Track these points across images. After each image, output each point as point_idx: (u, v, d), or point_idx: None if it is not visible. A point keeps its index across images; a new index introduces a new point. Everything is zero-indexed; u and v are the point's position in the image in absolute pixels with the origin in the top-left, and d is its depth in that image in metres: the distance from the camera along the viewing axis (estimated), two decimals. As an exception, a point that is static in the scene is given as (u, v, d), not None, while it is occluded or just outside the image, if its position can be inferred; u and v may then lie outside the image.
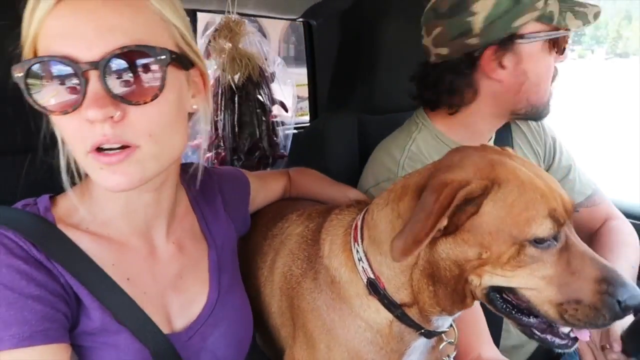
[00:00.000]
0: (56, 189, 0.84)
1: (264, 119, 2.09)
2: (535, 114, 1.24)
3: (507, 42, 1.15)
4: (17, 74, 0.69)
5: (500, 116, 1.27)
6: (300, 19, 2.27)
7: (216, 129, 2.02)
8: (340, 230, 0.98)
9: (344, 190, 1.27)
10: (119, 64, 0.68)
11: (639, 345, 1.06)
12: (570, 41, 1.20)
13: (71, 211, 0.82)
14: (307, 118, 2.59)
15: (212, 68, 2.00)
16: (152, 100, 0.71)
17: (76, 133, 0.70)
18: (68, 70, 0.67)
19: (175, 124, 0.78)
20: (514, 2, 1.13)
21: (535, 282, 0.76)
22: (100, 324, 0.78)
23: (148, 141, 0.72)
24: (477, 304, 0.97)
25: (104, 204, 0.83)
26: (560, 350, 0.81)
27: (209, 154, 1.99)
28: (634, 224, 1.45)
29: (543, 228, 0.74)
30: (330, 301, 0.93)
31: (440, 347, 0.97)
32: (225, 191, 1.09)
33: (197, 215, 1.00)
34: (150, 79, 0.71)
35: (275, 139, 2.17)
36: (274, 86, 2.15)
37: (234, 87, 1.95)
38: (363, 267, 0.89)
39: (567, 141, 1.51)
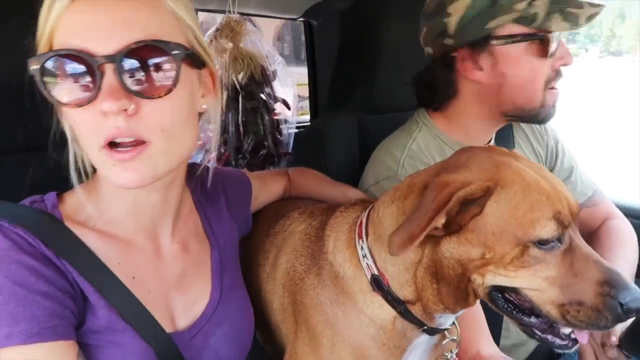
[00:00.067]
0: (60, 188, 0.84)
1: (267, 117, 2.09)
2: (531, 117, 1.22)
3: (483, 43, 1.16)
4: (33, 66, 0.70)
5: (491, 117, 1.26)
6: (301, 19, 2.27)
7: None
8: (344, 227, 0.99)
9: (344, 189, 1.28)
10: (134, 58, 0.69)
11: (638, 345, 1.07)
12: (564, 40, 1.18)
13: (78, 209, 0.82)
14: (307, 117, 2.59)
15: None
16: (165, 94, 0.72)
17: (89, 126, 0.71)
18: (84, 63, 0.68)
19: (187, 122, 0.79)
20: (489, 3, 1.13)
21: (538, 283, 0.76)
22: (107, 322, 0.78)
23: (160, 137, 0.73)
24: (477, 301, 0.98)
25: (111, 202, 0.83)
26: (560, 351, 0.82)
27: (213, 154, 1.99)
28: (633, 223, 1.47)
29: (547, 230, 0.74)
30: (334, 296, 0.94)
31: (443, 343, 0.98)
32: (229, 192, 1.10)
33: (201, 216, 1.01)
34: (164, 74, 0.72)
35: (279, 137, 2.17)
36: (275, 84, 2.15)
37: (237, 86, 1.96)
38: (367, 264, 0.90)
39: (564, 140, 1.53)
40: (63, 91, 0.70)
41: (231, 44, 1.92)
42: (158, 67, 0.71)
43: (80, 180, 0.82)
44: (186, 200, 0.97)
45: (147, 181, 0.75)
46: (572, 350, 0.82)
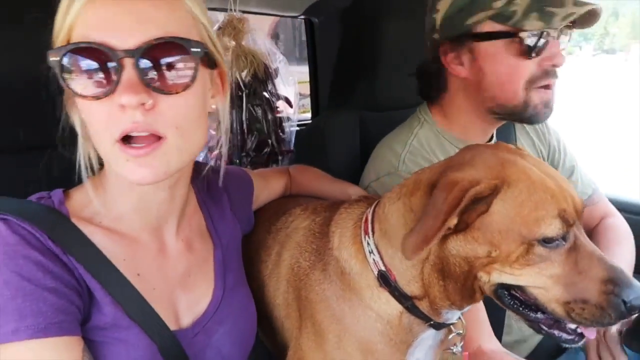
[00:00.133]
0: (64, 186, 0.84)
1: (270, 115, 2.09)
2: (517, 115, 1.19)
3: (462, 39, 1.18)
4: (53, 58, 0.70)
5: (478, 114, 1.25)
6: (302, 17, 2.26)
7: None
8: (349, 223, 1.00)
9: (344, 187, 1.29)
10: (154, 53, 0.70)
11: None
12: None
13: (84, 205, 0.83)
14: (308, 115, 2.59)
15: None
16: (183, 90, 0.73)
17: (105, 119, 0.71)
18: (104, 56, 0.69)
19: (199, 119, 0.79)
20: (470, 0, 1.15)
21: (542, 281, 0.77)
22: (112, 319, 0.78)
23: (174, 133, 0.74)
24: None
25: (117, 198, 0.84)
26: (567, 345, 0.83)
27: (215, 152, 1.98)
28: (628, 218, 1.48)
29: (552, 228, 0.75)
30: (340, 292, 0.94)
31: (449, 337, 0.99)
32: (231, 190, 1.10)
33: (204, 214, 1.01)
34: (182, 71, 0.73)
35: (282, 134, 2.17)
36: (277, 82, 2.15)
37: (241, 84, 1.95)
38: (374, 260, 0.91)
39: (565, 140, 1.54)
40: (81, 83, 0.71)
41: (234, 42, 1.91)
42: (177, 65, 0.72)
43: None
44: (191, 199, 0.98)
45: (161, 177, 0.75)
46: (579, 344, 0.83)
